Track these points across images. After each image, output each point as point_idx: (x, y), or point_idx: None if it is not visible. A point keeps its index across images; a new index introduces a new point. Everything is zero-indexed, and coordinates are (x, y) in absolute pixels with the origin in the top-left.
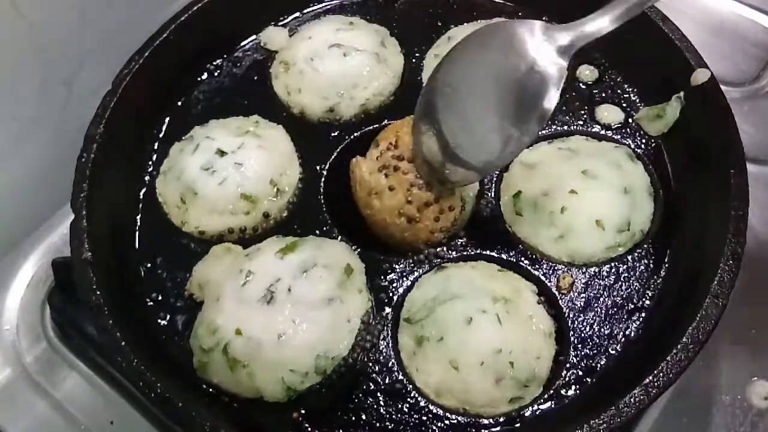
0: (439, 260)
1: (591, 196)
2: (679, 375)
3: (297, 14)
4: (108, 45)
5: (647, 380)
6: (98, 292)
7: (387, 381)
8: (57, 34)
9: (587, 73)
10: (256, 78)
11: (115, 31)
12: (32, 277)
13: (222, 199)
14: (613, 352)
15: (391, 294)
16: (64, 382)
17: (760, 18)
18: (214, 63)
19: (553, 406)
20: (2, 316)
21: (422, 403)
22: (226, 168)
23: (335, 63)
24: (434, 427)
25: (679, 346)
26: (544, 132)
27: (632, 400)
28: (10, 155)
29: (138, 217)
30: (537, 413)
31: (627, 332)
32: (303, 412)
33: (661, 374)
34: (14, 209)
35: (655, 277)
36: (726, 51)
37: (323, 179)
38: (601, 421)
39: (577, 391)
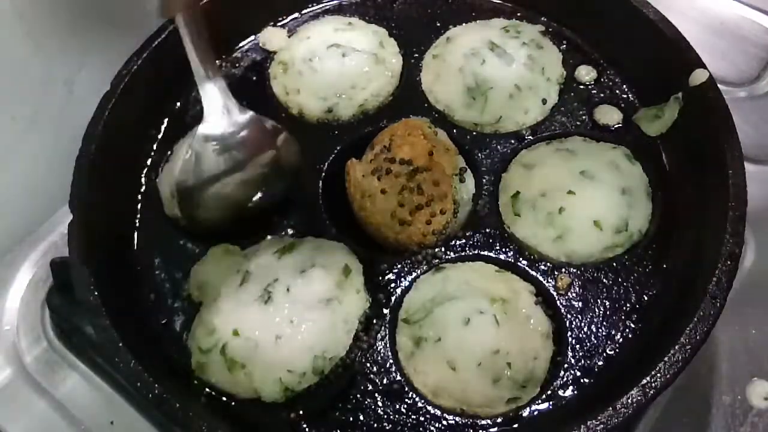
0: (437, 261)
1: (589, 197)
2: (677, 375)
3: (296, 15)
4: (108, 45)
5: (645, 381)
6: (96, 293)
7: (385, 381)
8: (57, 34)
9: (585, 73)
10: (254, 78)
11: (115, 31)
12: (32, 277)
13: None
14: (611, 352)
15: (389, 294)
16: (64, 382)
17: (760, 18)
18: None
19: (550, 406)
20: (2, 316)
21: (420, 404)
22: None
23: (334, 63)
24: (432, 428)
25: (676, 347)
26: (543, 133)
27: (630, 400)
28: (10, 155)
29: (137, 217)
30: (534, 414)
31: (625, 332)
32: (300, 412)
33: (658, 375)
34: (14, 209)
35: (653, 277)
36: (726, 51)
37: (321, 180)
38: (598, 422)
39: (575, 392)
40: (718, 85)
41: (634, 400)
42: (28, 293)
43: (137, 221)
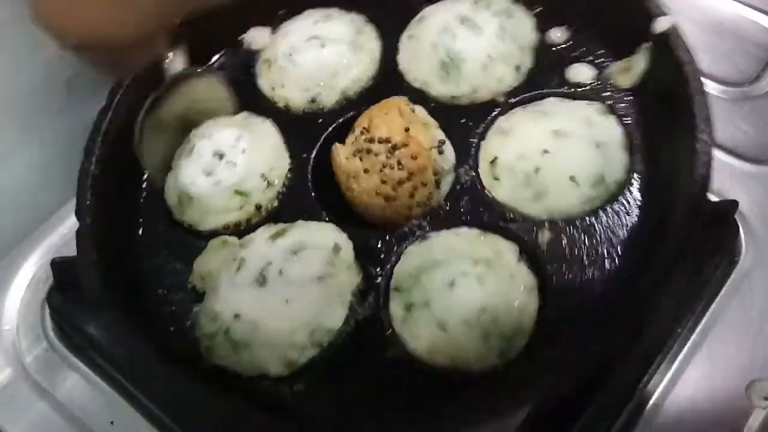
0: (423, 231)
1: (563, 155)
2: (656, 307)
3: (279, 12)
4: None
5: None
6: (104, 290)
7: (382, 348)
8: None
9: (557, 35)
10: (242, 78)
11: None
12: (32, 277)
13: (216, 199)
14: (595, 296)
15: (379, 268)
16: (64, 382)
17: (761, 18)
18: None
19: (540, 352)
20: (2, 316)
21: (417, 366)
22: (221, 169)
23: (313, 55)
24: (430, 387)
25: (649, 277)
26: (519, 98)
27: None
28: (10, 155)
29: (140, 219)
30: (525, 362)
31: (608, 277)
32: (306, 383)
33: (637, 305)
34: (14, 209)
35: (633, 222)
36: (726, 51)
37: (310, 166)
38: (588, 356)
39: (564, 337)
40: (718, 85)
41: (626, 324)
42: (28, 293)
43: (141, 222)
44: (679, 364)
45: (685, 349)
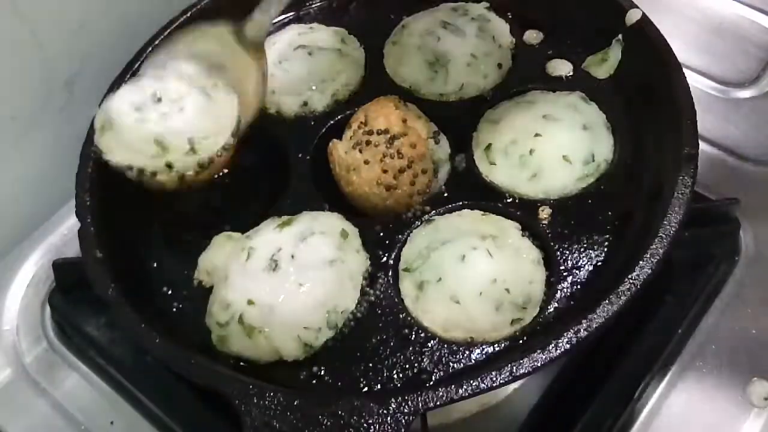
0: (426, 216)
1: (555, 136)
2: (654, 269)
3: None
4: (108, 46)
5: (629, 276)
6: (113, 285)
7: (396, 327)
8: (57, 35)
9: (532, 36)
10: None
11: (115, 32)
12: (32, 278)
13: (134, 137)
14: (596, 265)
15: (386, 252)
16: (64, 382)
17: (760, 18)
18: None
19: (551, 319)
20: (2, 316)
21: (432, 342)
22: (151, 112)
23: (302, 62)
24: (448, 361)
25: (655, 241)
26: (502, 93)
27: (619, 292)
28: (10, 155)
29: (141, 218)
30: (539, 328)
31: (606, 246)
32: (322, 366)
33: (637, 270)
34: (14, 209)
35: (625, 195)
36: (726, 51)
37: (309, 165)
38: (597, 315)
39: (572, 301)
40: (718, 85)
41: (624, 290)
42: (29, 293)
43: (142, 220)
44: (679, 364)
45: (685, 348)
